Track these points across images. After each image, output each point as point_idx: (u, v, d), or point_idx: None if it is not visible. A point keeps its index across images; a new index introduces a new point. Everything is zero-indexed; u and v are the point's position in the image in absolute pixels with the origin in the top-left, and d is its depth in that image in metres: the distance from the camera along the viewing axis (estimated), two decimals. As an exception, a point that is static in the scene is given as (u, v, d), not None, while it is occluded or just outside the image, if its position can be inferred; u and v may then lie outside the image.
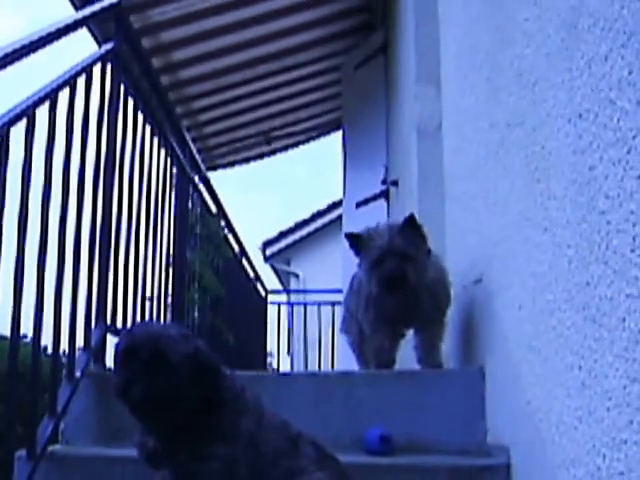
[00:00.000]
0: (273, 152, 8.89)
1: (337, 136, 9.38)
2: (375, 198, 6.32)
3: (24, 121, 1.97)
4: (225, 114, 7.59)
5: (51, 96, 2.14)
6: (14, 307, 1.87)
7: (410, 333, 2.84)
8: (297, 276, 14.31)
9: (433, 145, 4.21)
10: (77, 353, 2.36)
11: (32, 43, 2.05)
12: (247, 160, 8.94)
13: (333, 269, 11.88)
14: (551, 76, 1.58)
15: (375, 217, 5.96)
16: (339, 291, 8.36)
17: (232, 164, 8.61)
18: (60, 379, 2.22)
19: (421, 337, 2.72)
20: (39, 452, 1.98)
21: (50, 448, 2.11)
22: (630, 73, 1.14)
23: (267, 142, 8.76)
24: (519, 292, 1.92)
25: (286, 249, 14.52)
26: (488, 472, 2.03)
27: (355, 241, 2.62)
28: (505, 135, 2.03)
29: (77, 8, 4.43)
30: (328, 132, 9.16)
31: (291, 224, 14.57)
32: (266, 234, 14.64)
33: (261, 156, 8.86)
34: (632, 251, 1.16)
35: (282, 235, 14.50)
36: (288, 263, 14.63)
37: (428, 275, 2.59)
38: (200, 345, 1.68)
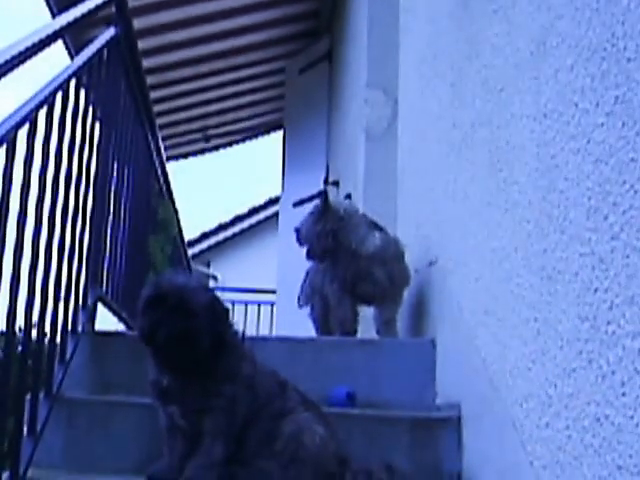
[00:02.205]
0: (216, 148, 9.14)
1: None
2: (312, 198, 6.61)
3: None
4: (169, 109, 7.79)
5: (63, 86, 2.34)
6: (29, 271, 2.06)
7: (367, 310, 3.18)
8: (215, 278, 14.49)
9: (379, 147, 4.55)
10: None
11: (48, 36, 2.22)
12: (186, 155, 9.19)
13: (251, 273, 12.30)
14: (518, 83, 1.91)
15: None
16: (270, 291, 8.89)
17: (173, 158, 8.83)
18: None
19: (379, 310, 3.07)
20: (55, 392, 2.22)
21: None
22: (592, 81, 1.48)
23: (206, 140, 9.02)
24: (477, 266, 2.25)
25: (207, 251, 14.62)
26: (442, 422, 2.36)
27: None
28: (469, 133, 2.37)
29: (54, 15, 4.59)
30: (267, 132, 9.46)
31: (212, 226, 14.70)
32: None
33: (202, 152, 9.13)
34: (587, 219, 1.49)
35: (204, 237, 14.56)
36: (208, 265, 14.81)
37: (373, 245, 2.98)
38: (216, 296, 1.97)
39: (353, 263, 3.01)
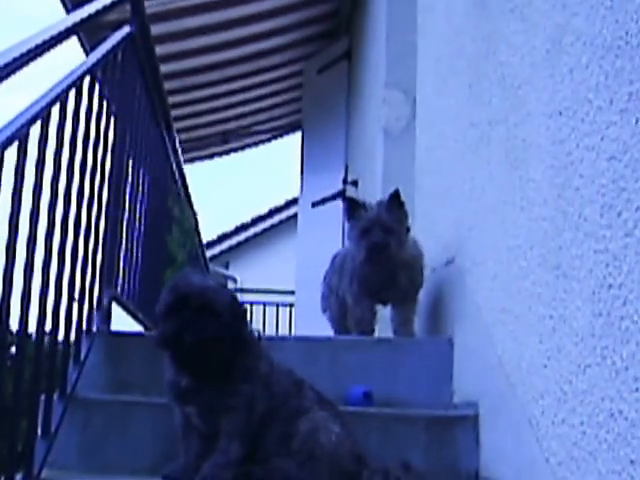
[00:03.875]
0: (236, 150, 9.21)
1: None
2: (332, 198, 6.62)
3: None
4: (189, 113, 7.84)
5: (76, 83, 2.35)
6: (44, 267, 2.08)
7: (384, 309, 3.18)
8: (235, 280, 14.53)
9: (398, 146, 4.55)
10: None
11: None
12: (207, 157, 9.25)
13: (269, 274, 12.36)
14: (534, 81, 1.92)
15: (331, 216, 6.32)
16: (289, 292, 8.93)
17: (194, 160, 8.88)
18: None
19: (397, 310, 3.06)
20: (69, 392, 2.24)
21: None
22: (606, 78, 1.48)
23: (224, 141, 9.07)
24: (493, 264, 2.25)
25: (225, 252, 14.76)
26: (459, 420, 2.36)
27: (352, 206, 2.95)
28: (486, 132, 2.37)
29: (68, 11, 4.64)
30: (286, 134, 9.50)
31: (231, 228, 14.82)
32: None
33: (222, 154, 9.19)
34: (601, 216, 1.49)
35: (222, 238, 14.66)
36: (227, 266, 14.86)
37: (408, 252, 2.93)
38: (234, 294, 1.97)
39: (386, 269, 2.96)
